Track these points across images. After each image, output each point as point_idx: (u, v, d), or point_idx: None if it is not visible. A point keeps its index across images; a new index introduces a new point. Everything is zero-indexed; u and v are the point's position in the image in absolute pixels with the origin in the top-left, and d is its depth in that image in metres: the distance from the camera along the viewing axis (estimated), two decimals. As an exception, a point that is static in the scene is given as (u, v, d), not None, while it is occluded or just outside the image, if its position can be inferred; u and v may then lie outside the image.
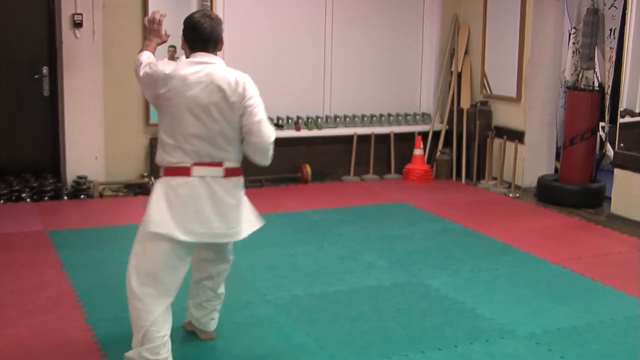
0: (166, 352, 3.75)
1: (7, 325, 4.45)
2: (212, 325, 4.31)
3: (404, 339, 4.38)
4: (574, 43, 7.95)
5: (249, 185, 8.21)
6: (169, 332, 3.77)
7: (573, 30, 8.02)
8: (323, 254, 6.05)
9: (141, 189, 7.82)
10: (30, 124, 7.80)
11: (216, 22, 3.77)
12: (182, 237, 3.65)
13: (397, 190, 8.41)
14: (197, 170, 3.66)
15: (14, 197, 7.40)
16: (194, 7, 8.10)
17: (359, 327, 4.55)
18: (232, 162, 3.78)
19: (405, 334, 4.46)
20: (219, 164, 3.72)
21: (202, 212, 3.68)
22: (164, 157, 3.70)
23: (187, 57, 3.79)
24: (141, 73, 3.77)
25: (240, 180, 3.86)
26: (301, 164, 8.63)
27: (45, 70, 7.75)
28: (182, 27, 3.80)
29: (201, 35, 3.73)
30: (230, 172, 3.76)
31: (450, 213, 7.33)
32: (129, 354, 3.79)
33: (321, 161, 8.79)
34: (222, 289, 4.25)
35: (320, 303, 4.94)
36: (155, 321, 3.68)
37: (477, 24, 9.03)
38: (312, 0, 8.72)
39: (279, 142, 8.53)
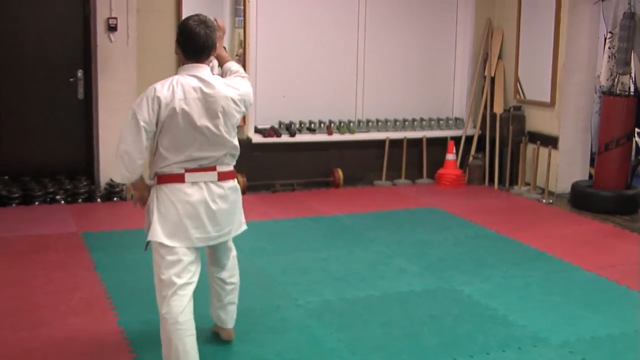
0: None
1: (41, 325, 4.50)
2: (231, 323, 4.31)
3: (436, 346, 4.35)
4: (609, 47, 7.86)
5: (280, 189, 8.27)
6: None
7: (609, 35, 7.92)
8: (354, 258, 6.03)
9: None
10: (65, 127, 7.88)
11: (211, 29, 3.73)
12: (184, 244, 3.72)
13: (429, 195, 8.37)
14: (191, 177, 3.71)
15: (48, 199, 7.48)
16: (227, 10, 8.15)
17: (390, 332, 4.53)
18: (227, 166, 3.85)
19: (437, 340, 4.43)
20: (213, 169, 3.77)
21: (198, 218, 3.73)
22: (161, 169, 3.72)
23: (182, 62, 3.78)
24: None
25: (235, 182, 3.92)
26: (333, 168, 8.62)
27: (80, 73, 7.83)
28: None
29: (196, 44, 3.69)
30: (223, 176, 3.81)
31: (482, 219, 7.28)
32: None
33: (353, 165, 8.78)
34: (235, 279, 4.27)
35: (351, 308, 4.93)
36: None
37: (511, 28, 8.96)
38: (345, 5, 8.72)
39: (311, 146, 8.68)
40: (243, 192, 8.04)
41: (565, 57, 8.25)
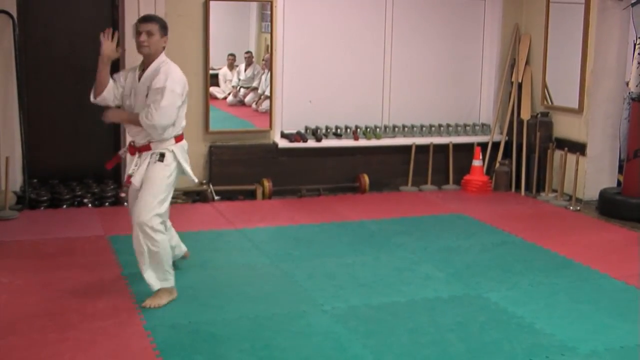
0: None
1: (68, 328, 4.53)
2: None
3: (462, 353, 4.33)
4: (639, 53, 7.79)
5: (306, 194, 8.27)
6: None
7: (639, 41, 7.86)
8: (380, 264, 6.02)
9: (200, 196, 7.89)
10: (93, 131, 7.93)
11: None
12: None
13: (455, 202, 8.33)
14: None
15: (76, 203, 7.55)
16: (254, 17, 8.18)
17: (417, 339, 4.51)
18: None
19: (463, 348, 4.41)
20: None
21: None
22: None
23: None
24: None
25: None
26: (359, 174, 8.61)
27: (108, 77, 7.88)
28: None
29: None
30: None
31: (509, 225, 7.23)
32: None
33: (379, 171, 8.76)
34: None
35: (377, 314, 4.91)
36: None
37: (539, 33, 8.91)
38: (371, 10, 8.71)
39: (337, 151, 8.68)
40: (269, 197, 8.08)
41: (594, 62, 8.19)
